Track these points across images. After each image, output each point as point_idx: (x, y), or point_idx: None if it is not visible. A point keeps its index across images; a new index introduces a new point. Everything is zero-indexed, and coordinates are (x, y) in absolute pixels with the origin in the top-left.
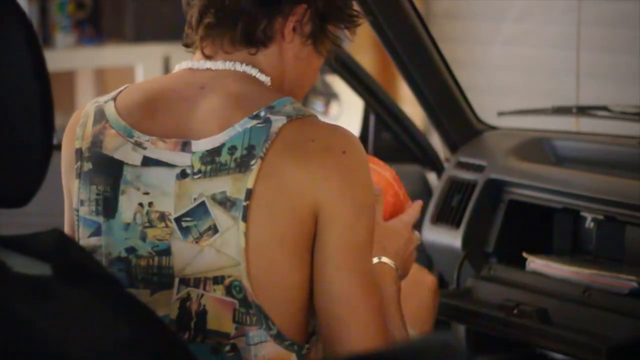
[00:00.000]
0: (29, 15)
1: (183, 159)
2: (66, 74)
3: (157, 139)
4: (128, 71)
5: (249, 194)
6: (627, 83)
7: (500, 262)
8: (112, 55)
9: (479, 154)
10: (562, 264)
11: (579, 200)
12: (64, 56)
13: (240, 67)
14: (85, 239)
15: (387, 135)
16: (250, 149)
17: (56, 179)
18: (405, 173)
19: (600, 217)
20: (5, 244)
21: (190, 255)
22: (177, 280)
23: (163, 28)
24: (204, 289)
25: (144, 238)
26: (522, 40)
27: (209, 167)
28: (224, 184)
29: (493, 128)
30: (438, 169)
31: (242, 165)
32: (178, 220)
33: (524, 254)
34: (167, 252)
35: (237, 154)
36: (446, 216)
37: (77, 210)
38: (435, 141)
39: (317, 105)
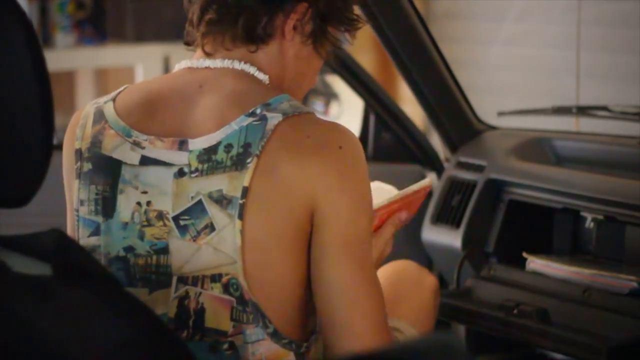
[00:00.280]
0: (29, 15)
1: (180, 158)
2: (66, 74)
3: (155, 138)
4: (128, 71)
5: (245, 191)
6: (627, 83)
7: (500, 262)
8: (112, 55)
9: (479, 154)
10: (562, 264)
11: (579, 200)
12: (64, 56)
13: (238, 65)
14: (84, 239)
15: (387, 135)
16: (247, 146)
17: (56, 179)
18: (405, 173)
19: (600, 217)
20: (5, 244)
21: (188, 254)
22: (175, 278)
23: (163, 28)
24: (202, 287)
25: (142, 237)
26: (522, 40)
27: (205, 166)
28: (220, 182)
29: (493, 128)
30: (438, 169)
31: (238, 163)
32: (176, 218)
33: (524, 254)
34: (165, 250)
35: (233, 151)
36: (446, 216)
37: (77, 211)
38: (435, 141)
39: (317, 105)
